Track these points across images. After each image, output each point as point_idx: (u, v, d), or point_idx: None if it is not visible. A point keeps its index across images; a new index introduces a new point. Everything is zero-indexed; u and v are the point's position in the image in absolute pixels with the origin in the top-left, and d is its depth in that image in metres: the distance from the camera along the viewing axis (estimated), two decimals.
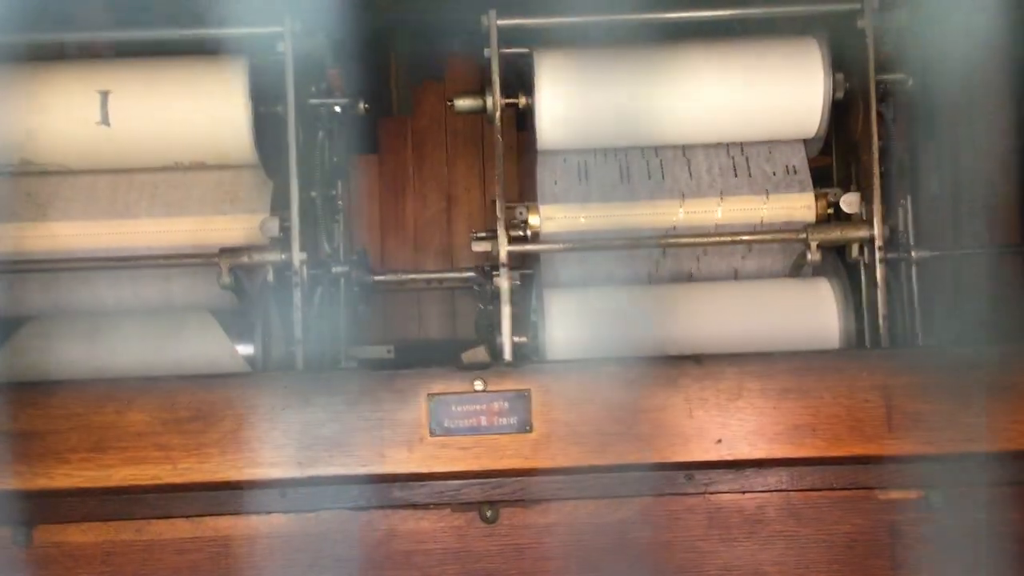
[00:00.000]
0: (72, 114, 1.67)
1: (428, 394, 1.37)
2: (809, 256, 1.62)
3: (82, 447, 1.36)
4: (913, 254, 1.70)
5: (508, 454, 1.37)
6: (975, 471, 1.39)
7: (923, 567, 1.40)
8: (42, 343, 1.61)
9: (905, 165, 1.94)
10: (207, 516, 1.40)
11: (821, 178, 1.78)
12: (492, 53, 1.65)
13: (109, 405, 1.37)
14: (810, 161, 1.75)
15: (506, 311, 1.59)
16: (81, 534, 1.40)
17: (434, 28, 2.23)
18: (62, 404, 1.37)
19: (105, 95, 1.67)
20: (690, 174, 1.70)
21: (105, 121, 1.67)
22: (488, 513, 1.41)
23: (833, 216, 1.70)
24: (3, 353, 1.61)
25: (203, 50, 1.76)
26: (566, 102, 1.68)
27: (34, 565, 1.41)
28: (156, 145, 1.71)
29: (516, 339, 1.60)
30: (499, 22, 1.66)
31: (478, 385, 1.38)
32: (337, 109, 1.81)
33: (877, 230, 1.62)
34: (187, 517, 1.40)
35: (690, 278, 1.74)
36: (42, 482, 1.36)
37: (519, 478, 1.40)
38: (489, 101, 1.67)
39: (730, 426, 1.37)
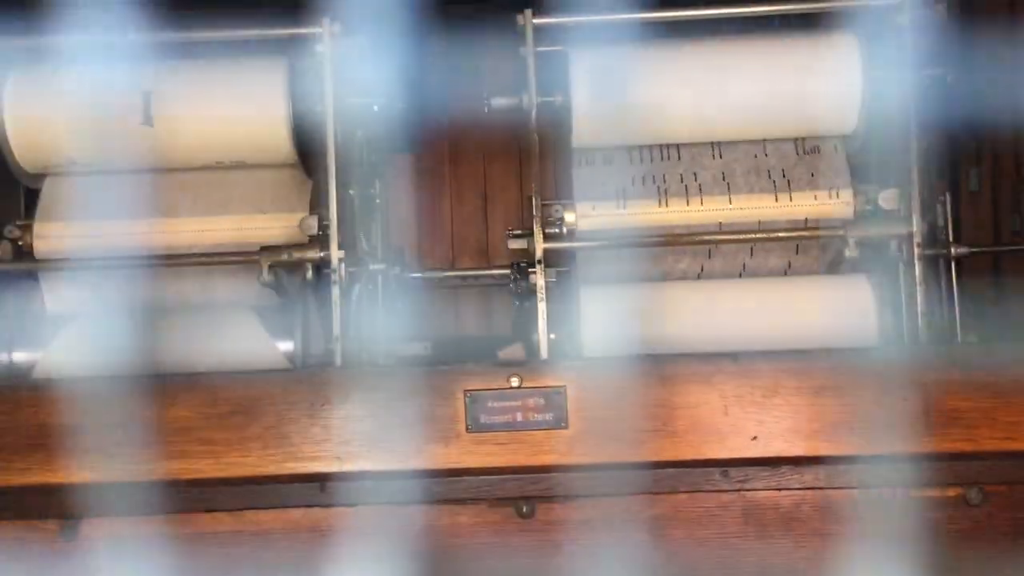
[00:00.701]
0: (115, 115, 1.70)
1: (465, 390, 1.39)
2: (847, 253, 1.62)
3: (128, 441, 1.39)
4: (952, 250, 1.68)
5: (544, 450, 1.38)
6: (1014, 469, 1.38)
7: (962, 566, 1.39)
8: (88, 340, 1.65)
9: (944, 161, 1.93)
10: (249, 510, 1.43)
11: (860, 173, 1.77)
12: (528, 52, 1.66)
13: (153, 401, 1.40)
14: (848, 157, 1.75)
15: (542, 308, 1.60)
16: (128, 527, 1.43)
17: (471, 27, 2.24)
18: (107, 400, 1.40)
19: (148, 96, 1.70)
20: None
21: (148, 122, 1.70)
22: (524, 508, 1.42)
23: (871, 212, 1.69)
24: (49, 351, 1.65)
25: (244, 50, 1.79)
26: (601, 99, 1.69)
27: (81, 558, 1.44)
28: (198, 145, 1.73)
29: (552, 336, 1.61)
30: (535, 21, 1.67)
31: (514, 381, 1.39)
32: (375, 109, 1.82)
33: (915, 226, 1.61)
34: (229, 511, 1.43)
35: (738, 275, 1.73)
36: (89, 476, 1.39)
37: (555, 474, 1.41)
38: (525, 99, 1.68)
39: (766, 423, 1.37)
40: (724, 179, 1.72)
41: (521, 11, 1.67)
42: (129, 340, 1.65)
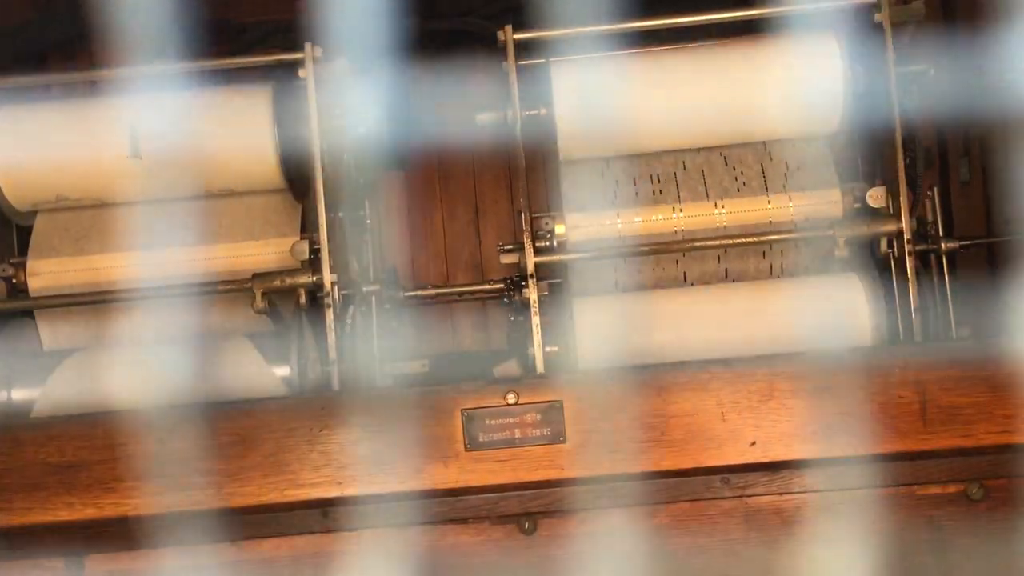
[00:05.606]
0: (103, 149, 1.71)
1: (462, 409, 1.39)
2: (837, 252, 1.62)
3: (128, 476, 1.39)
4: (943, 245, 1.68)
5: (543, 465, 1.39)
6: (1013, 463, 1.38)
7: (966, 562, 1.39)
8: (85, 375, 1.65)
9: (932, 154, 1.93)
10: (251, 539, 1.43)
11: (846, 172, 1.77)
12: (509, 67, 1.67)
13: (152, 434, 1.40)
14: (833, 156, 1.75)
15: (536, 322, 1.60)
16: (131, 561, 1.44)
17: (453, 42, 2.24)
18: (107, 435, 1.40)
19: (134, 128, 1.70)
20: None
21: (136, 155, 1.70)
22: (526, 525, 1.43)
23: (860, 210, 1.70)
24: (48, 387, 1.65)
25: (229, 78, 1.79)
26: (584, 110, 1.69)
27: None
28: (187, 175, 1.74)
29: (548, 349, 1.61)
30: (515, 36, 1.67)
31: (510, 398, 1.39)
32: (361, 130, 1.82)
33: (905, 223, 1.61)
34: (232, 541, 1.43)
35: (729, 279, 1.73)
36: (91, 512, 1.39)
37: (555, 489, 1.41)
38: (509, 114, 1.68)
39: (763, 428, 1.37)
40: (711, 184, 1.72)
41: (502, 27, 1.68)
42: (126, 374, 1.65)
